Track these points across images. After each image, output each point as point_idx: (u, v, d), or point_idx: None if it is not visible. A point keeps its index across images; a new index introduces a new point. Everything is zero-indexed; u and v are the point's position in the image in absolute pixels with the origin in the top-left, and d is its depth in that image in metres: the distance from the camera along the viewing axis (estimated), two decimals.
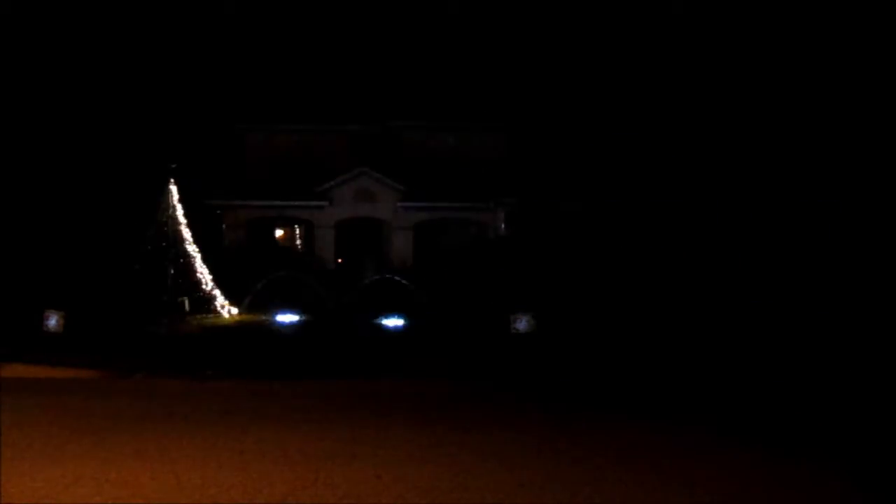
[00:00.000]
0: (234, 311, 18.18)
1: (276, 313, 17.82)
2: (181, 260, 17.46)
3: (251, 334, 15.72)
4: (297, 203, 23.90)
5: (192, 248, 17.86)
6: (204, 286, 17.72)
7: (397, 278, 18.58)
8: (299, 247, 25.69)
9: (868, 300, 17.61)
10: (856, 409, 9.02)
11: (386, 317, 16.88)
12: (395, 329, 15.92)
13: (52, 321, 15.27)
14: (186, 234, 17.79)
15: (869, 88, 25.27)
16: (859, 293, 18.19)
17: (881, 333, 14.46)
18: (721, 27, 27.71)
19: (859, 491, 5.73)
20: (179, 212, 17.74)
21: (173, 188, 17.58)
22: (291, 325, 16.55)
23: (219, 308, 17.77)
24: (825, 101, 25.04)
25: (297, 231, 25.92)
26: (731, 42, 27.32)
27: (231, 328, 16.49)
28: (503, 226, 22.78)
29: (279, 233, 25.81)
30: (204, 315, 17.46)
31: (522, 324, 15.22)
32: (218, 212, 24.25)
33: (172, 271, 17.11)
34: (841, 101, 25.07)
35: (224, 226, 24.21)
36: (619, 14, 29.03)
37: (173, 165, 17.74)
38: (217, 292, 18.07)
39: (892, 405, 9.16)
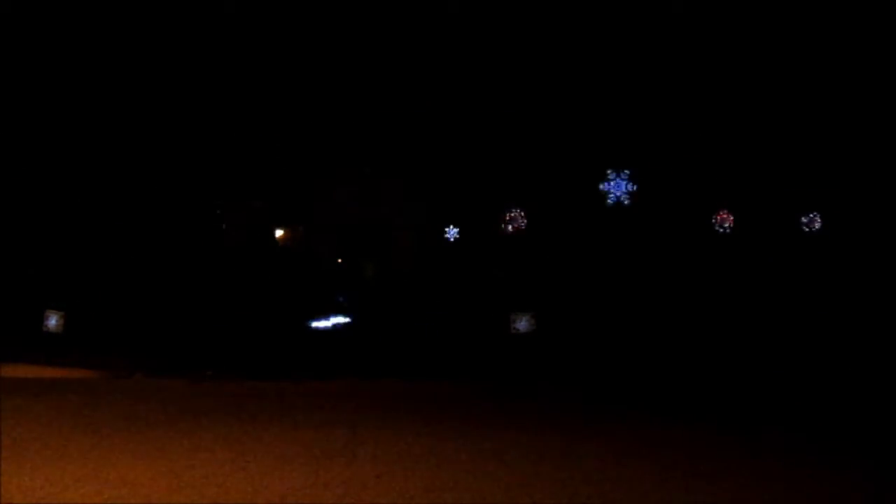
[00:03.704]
0: None
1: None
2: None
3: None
4: (297, 202, 23.85)
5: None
6: None
7: (398, 279, 18.57)
8: (299, 247, 25.65)
9: None
10: None
11: (385, 317, 16.86)
12: (395, 329, 15.89)
13: (53, 321, 15.24)
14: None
15: None
16: None
17: None
18: None
19: None
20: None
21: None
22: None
23: None
24: None
25: (297, 231, 25.89)
26: None
27: None
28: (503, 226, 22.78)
29: (279, 233, 25.75)
30: None
31: (522, 324, 15.19)
32: (218, 212, 24.22)
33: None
34: None
35: (224, 226, 24.16)
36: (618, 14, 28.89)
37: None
38: None
39: None
